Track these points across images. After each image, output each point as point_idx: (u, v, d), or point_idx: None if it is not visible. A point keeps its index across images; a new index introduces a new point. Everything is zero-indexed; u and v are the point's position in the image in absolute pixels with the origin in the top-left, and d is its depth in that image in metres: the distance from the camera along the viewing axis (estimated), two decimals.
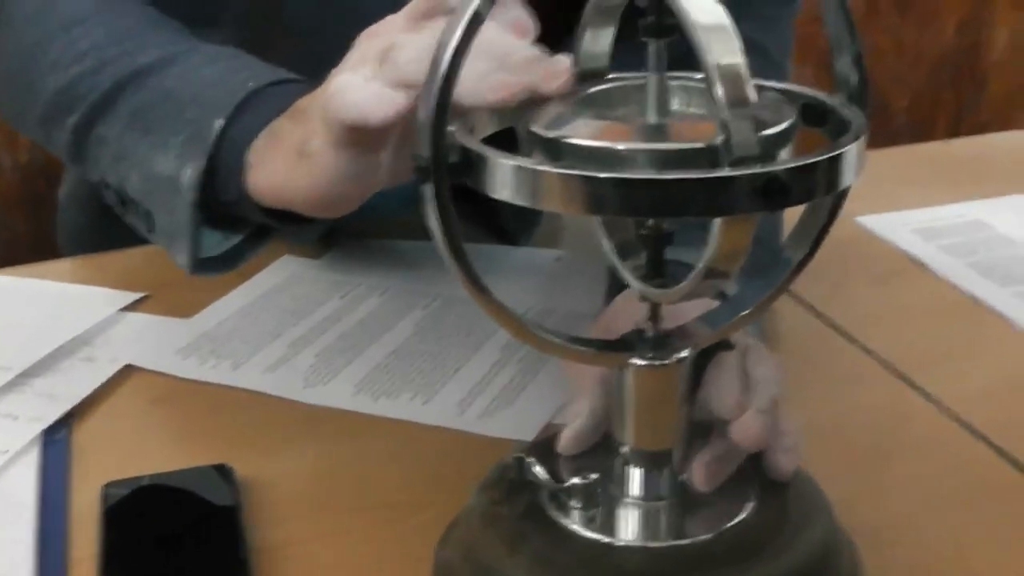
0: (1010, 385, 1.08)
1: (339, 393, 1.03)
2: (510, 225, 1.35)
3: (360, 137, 0.75)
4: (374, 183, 0.80)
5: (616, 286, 1.01)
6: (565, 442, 0.81)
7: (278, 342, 1.11)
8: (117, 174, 0.97)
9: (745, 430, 0.77)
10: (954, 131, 2.92)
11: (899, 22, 2.91)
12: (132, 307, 1.19)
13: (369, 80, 0.73)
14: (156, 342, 1.12)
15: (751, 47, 0.62)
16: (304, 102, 0.83)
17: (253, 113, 0.87)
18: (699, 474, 0.77)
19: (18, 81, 1.07)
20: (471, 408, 1.01)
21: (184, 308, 1.18)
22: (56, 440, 0.98)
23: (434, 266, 1.21)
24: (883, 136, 2.24)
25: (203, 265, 0.92)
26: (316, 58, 0.79)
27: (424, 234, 0.68)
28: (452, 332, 1.13)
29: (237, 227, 0.92)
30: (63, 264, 1.34)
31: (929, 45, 2.97)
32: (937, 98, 3.02)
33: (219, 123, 0.87)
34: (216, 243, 0.93)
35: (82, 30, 0.99)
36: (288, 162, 0.82)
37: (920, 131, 2.89)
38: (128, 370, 1.08)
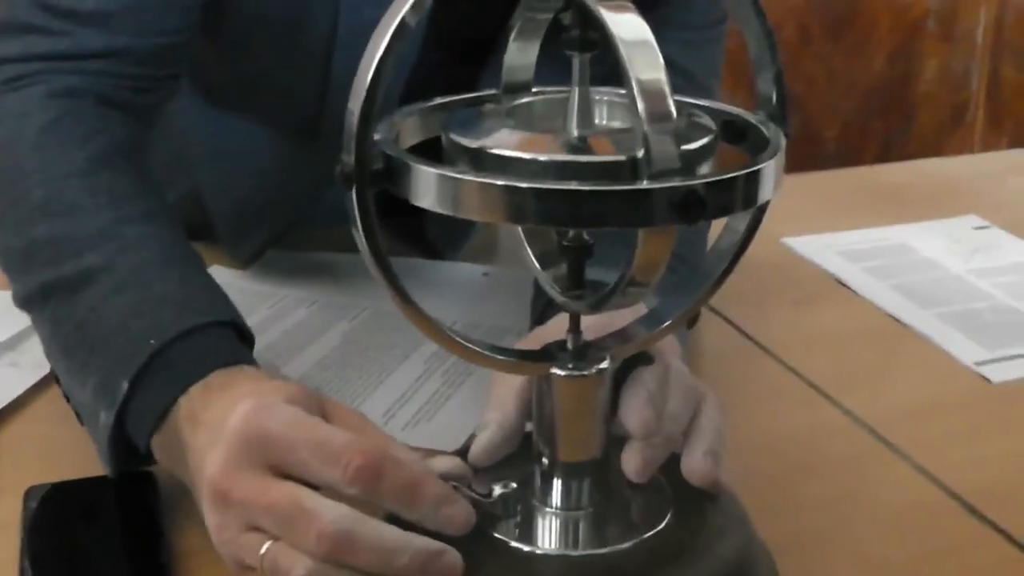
0: (931, 404, 1.10)
1: None
2: (437, 241, 1.36)
3: None
4: None
5: (541, 301, 1.02)
6: (475, 455, 0.81)
7: None
8: (50, 360, 0.96)
9: (695, 471, 0.79)
10: (882, 160, 2.95)
11: (831, 51, 2.95)
12: None
13: None
14: None
15: (675, 70, 0.63)
16: (189, 438, 0.80)
17: (150, 386, 0.84)
18: (632, 462, 0.78)
19: None
20: (395, 419, 1.01)
21: None
22: None
23: (361, 279, 1.22)
24: (812, 163, 2.27)
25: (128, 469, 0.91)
26: None
27: (353, 247, 0.68)
28: (378, 344, 1.13)
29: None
30: None
31: (860, 75, 3.01)
32: (866, 127, 3.05)
33: (124, 386, 0.84)
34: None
35: (23, 188, 0.95)
36: (187, 478, 0.82)
37: (849, 159, 2.92)
38: (53, 376, 1.08)
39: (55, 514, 0.88)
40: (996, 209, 1.55)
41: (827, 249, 1.41)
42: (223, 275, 1.26)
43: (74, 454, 0.97)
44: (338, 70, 1.07)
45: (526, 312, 1.08)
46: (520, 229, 0.78)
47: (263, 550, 0.72)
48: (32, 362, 1.09)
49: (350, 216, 0.67)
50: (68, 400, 0.93)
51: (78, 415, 0.92)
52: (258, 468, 0.73)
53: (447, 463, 0.75)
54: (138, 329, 0.86)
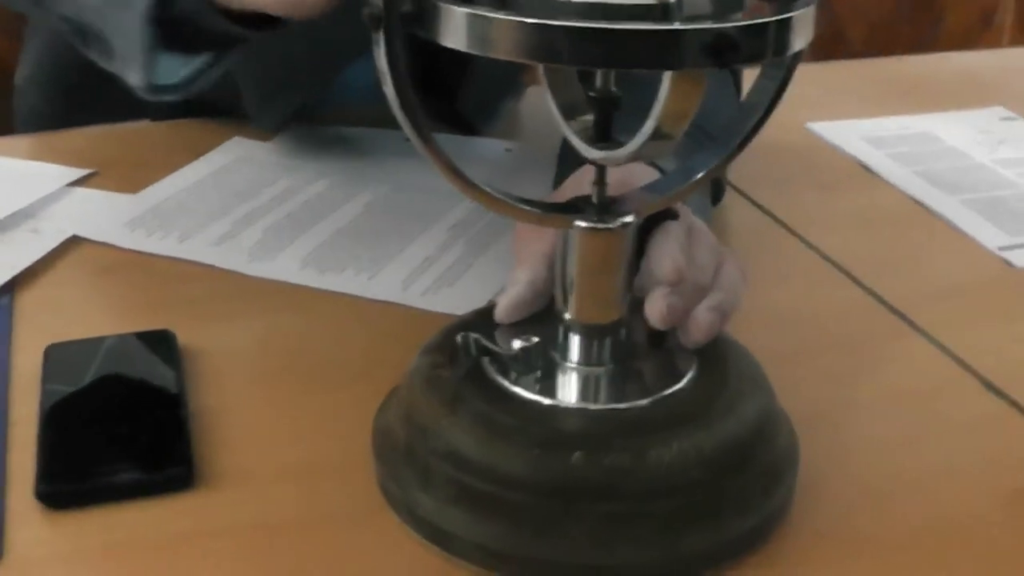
0: (954, 286, 1.09)
1: (285, 267, 1.03)
2: (469, 114, 1.35)
3: None
4: None
5: (564, 173, 1.01)
6: (501, 309, 0.81)
7: (225, 218, 1.11)
8: (74, 2, 0.95)
9: (696, 321, 0.78)
10: None
11: None
12: (80, 183, 1.19)
13: None
14: (103, 215, 1.12)
15: None
16: None
17: None
18: (656, 307, 0.77)
19: None
20: (415, 285, 1.01)
21: (132, 185, 1.17)
22: None
23: (385, 153, 1.22)
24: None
25: (158, 88, 0.90)
26: None
27: (378, 123, 0.67)
28: (400, 215, 1.13)
29: (196, 46, 0.89)
30: (12, 141, 1.34)
31: None
32: (894, 31, 3.02)
33: None
34: (175, 69, 0.91)
35: None
36: None
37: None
38: (74, 242, 1.08)
39: (75, 371, 0.88)
40: (1023, 102, 1.53)
41: (852, 135, 1.40)
42: (245, 147, 1.26)
43: (93, 316, 0.98)
44: None
45: (547, 186, 1.07)
46: (546, 82, 0.77)
47: None
48: (53, 228, 1.10)
49: (377, 61, 0.66)
50: (86, 42, 0.94)
51: (106, 50, 0.91)
52: None
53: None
54: None
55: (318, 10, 0.80)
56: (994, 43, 2.99)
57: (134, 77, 0.89)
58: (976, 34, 2.99)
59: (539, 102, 0.83)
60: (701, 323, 0.78)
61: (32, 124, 1.45)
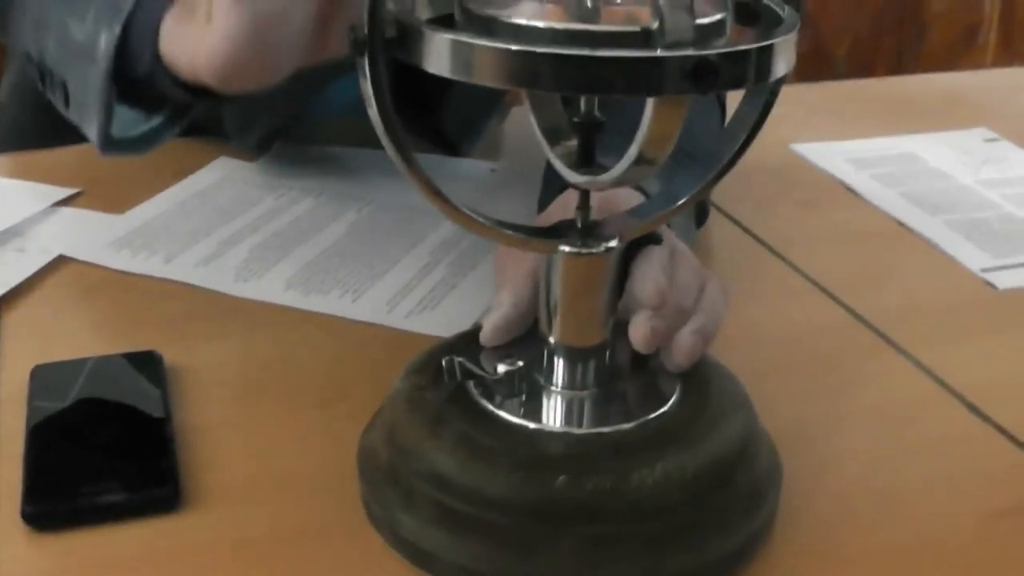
0: (936, 306, 1.10)
1: (270, 288, 1.04)
2: (452, 134, 1.35)
3: None
4: (287, 53, 0.80)
5: (549, 194, 1.02)
6: (486, 332, 0.81)
7: (210, 238, 1.12)
8: (37, 42, 0.95)
9: (678, 345, 0.78)
10: None
11: None
12: (65, 202, 1.19)
13: None
14: (88, 235, 1.12)
15: None
16: None
17: None
18: (640, 331, 0.78)
19: None
20: (399, 307, 1.01)
21: (117, 205, 1.18)
22: None
23: (368, 172, 1.23)
24: (822, 79, 2.26)
25: (114, 143, 0.90)
26: None
27: (362, 142, 0.68)
28: (384, 235, 1.13)
29: (154, 107, 0.90)
30: (1, 160, 1.34)
31: None
32: (877, 45, 3.04)
33: None
34: (132, 123, 0.92)
35: None
36: (197, 28, 0.81)
37: (859, 78, 2.91)
38: (60, 261, 1.08)
39: (61, 392, 0.89)
40: (1006, 122, 1.54)
41: (835, 156, 1.41)
42: (230, 167, 1.27)
43: (79, 336, 0.99)
44: None
45: (532, 206, 1.08)
46: (530, 107, 0.78)
47: None
48: (39, 248, 1.10)
49: (361, 85, 0.67)
50: (44, 83, 0.94)
51: (65, 95, 0.91)
52: None
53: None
54: None
55: (262, 88, 0.81)
56: (978, 60, 3.00)
57: (91, 131, 0.89)
58: (959, 51, 3.00)
59: (523, 122, 0.83)
60: (684, 346, 0.79)
61: (14, 139, 1.45)
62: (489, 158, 1.36)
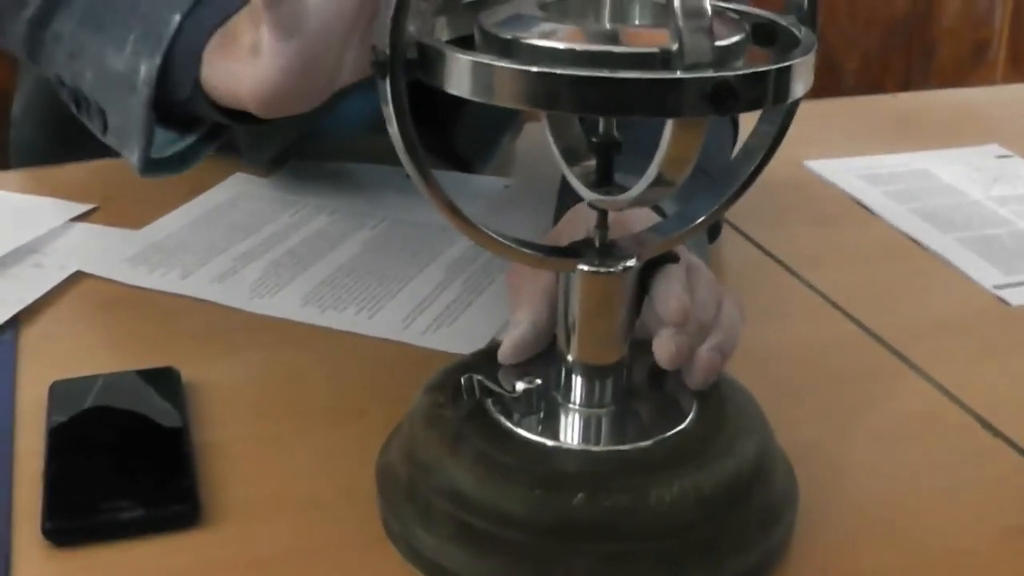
0: (949, 323, 1.10)
1: (286, 304, 1.04)
2: (465, 154, 1.36)
3: (297, 23, 0.75)
4: (331, 80, 0.80)
5: (564, 210, 1.02)
6: (504, 351, 0.82)
7: (226, 255, 1.12)
8: (72, 72, 0.96)
9: (697, 363, 0.79)
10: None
11: None
12: (81, 218, 1.20)
13: None
14: (105, 251, 1.13)
15: None
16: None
17: (210, 8, 0.86)
18: (665, 349, 0.78)
19: None
20: (415, 323, 1.02)
21: (133, 221, 1.18)
22: (2, 341, 0.99)
23: (382, 188, 1.23)
24: (832, 95, 2.26)
25: (154, 165, 0.91)
26: None
27: (375, 159, 0.68)
28: (399, 252, 1.14)
29: (190, 127, 0.91)
30: (13, 176, 1.34)
31: (882, 8, 2.99)
32: (887, 62, 3.04)
33: (176, 19, 0.85)
34: (169, 143, 0.93)
35: None
36: (241, 59, 0.82)
37: (869, 93, 2.91)
38: (77, 277, 1.09)
39: (80, 407, 0.89)
40: (1018, 139, 1.54)
41: (848, 172, 1.42)
42: (246, 183, 1.27)
43: (97, 352, 0.99)
44: None
45: (547, 223, 1.08)
46: (548, 127, 0.78)
47: None
48: (56, 263, 1.11)
49: (382, 105, 0.67)
50: (88, 113, 0.94)
51: (103, 123, 0.92)
52: None
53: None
54: None
55: (299, 111, 0.82)
56: (988, 76, 3.01)
57: (132, 155, 0.90)
58: (969, 67, 3.01)
59: (537, 137, 0.84)
60: (704, 363, 0.79)
61: (27, 157, 1.46)
62: (502, 174, 1.37)
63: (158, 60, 0.85)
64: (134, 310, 1.04)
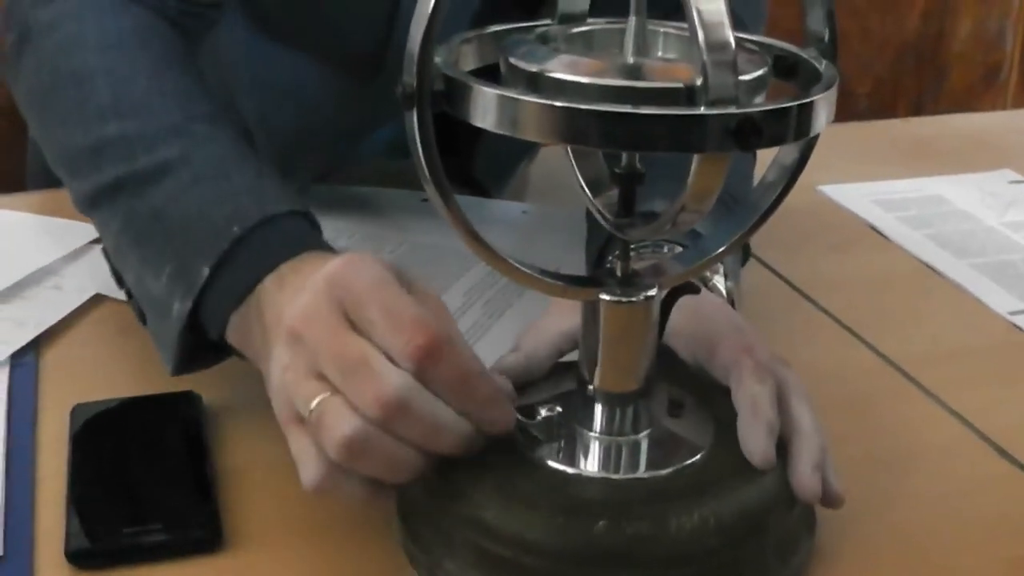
0: (964, 349, 1.11)
1: None
2: (483, 180, 1.37)
3: None
4: None
5: (596, 242, 1.02)
6: (495, 369, 0.83)
7: None
8: (116, 259, 0.97)
9: (805, 486, 0.78)
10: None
11: (865, 7, 2.94)
12: (100, 240, 1.19)
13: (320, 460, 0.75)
14: None
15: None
16: (268, 310, 0.81)
17: (233, 270, 0.85)
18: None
19: (36, 116, 1.06)
20: None
21: None
22: (23, 363, 1.00)
23: (401, 213, 1.24)
24: (845, 118, 2.27)
25: (186, 368, 0.92)
26: None
27: (393, 182, 0.69)
28: (418, 276, 1.14)
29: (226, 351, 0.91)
30: (32, 197, 1.35)
31: (893, 32, 3.00)
32: (898, 85, 3.05)
33: (205, 271, 0.85)
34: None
35: (89, 88, 0.97)
36: (257, 356, 0.83)
37: (881, 116, 2.91)
38: (97, 300, 1.10)
39: (101, 431, 0.90)
40: None
41: (863, 198, 1.42)
42: None
43: (116, 375, 0.99)
44: (406, 5, 1.08)
45: (565, 248, 1.09)
46: (572, 158, 0.79)
47: (316, 401, 0.73)
48: (75, 286, 1.11)
49: (409, 137, 0.68)
50: (130, 298, 0.94)
51: (141, 315, 0.92)
52: (337, 315, 0.74)
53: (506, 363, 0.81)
54: (219, 216, 0.86)
55: None
56: (999, 99, 3.01)
57: (166, 365, 0.90)
58: (980, 90, 3.01)
59: (553, 162, 0.84)
60: (808, 487, 0.79)
61: (45, 179, 1.46)
62: (517, 198, 1.37)
63: (189, 306, 0.85)
64: None
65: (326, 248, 0.86)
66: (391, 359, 0.72)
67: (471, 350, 0.75)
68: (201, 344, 0.88)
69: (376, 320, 0.73)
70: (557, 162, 0.80)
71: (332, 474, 0.74)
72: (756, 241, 1.16)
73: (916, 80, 3.05)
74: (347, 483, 0.75)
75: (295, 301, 0.76)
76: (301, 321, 0.75)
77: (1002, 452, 0.94)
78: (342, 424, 0.71)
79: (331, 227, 1.20)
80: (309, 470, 0.75)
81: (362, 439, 0.71)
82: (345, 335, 0.73)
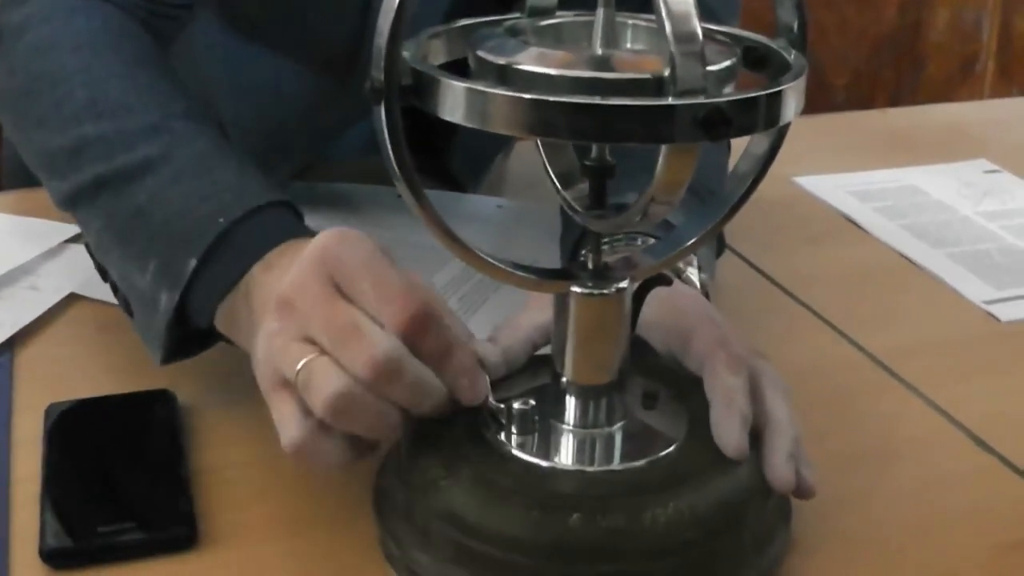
0: (940, 340, 1.11)
1: None
2: (458, 176, 1.36)
3: None
4: None
5: (571, 235, 1.02)
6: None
7: None
8: (99, 255, 0.96)
9: (779, 477, 0.78)
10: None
11: (842, 0, 2.94)
12: (76, 239, 1.19)
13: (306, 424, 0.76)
14: None
15: (699, 8, 0.64)
16: (256, 292, 0.82)
17: (220, 262, 0.85)
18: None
19: (12, 119, 1.06)
20: None
21: None
22: None
23: (379, 209, 1.24)
24: (822, 111, 2.27)
25: (174, 358, 0.92)
26: None
27: (372, 179, 0.69)
28: None
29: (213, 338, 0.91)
30: (7, 197, 1.34)
31: (871, 24, 3.00)
32: (876, 77, 3.05)
33: (191, 263, 0.85)
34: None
35: (66, 89, 0.97)
36: (245, 337, 0.83)
37: (858, 108, 2.92)
38: (73, 299, 1.09)
39: (76, 430, 0.90)
40: (1006, 154, 1.55)
41: (838, 189, 1.42)
42: None
43: (92, 374, 0.99)
44: (378, 3, 1.08)
45: (541, 242, 1.08)
46: (542, 151, 0.79)
47: (304, 361, 0.74)
48: (51, 286, 1.11)
49: (377, 131, 0.68)
50: (116, 292, 0.94)
51: (128, 309, 0.92)
52: (329, 286, 0.75)
53: (486, 349, 0.80)
54: (203, 211, 0.87)
55: None
56: (975, 91, 3.02)
57: (153, 355, 0.90)
58: (957, 81, 3.02)
59: (529, 156, 0.84)
60: (781, 479, 0.79)
61: (21, 178, 1.46)
62: (494, 192, 1.37)
63: (176, 298, 0.86)
64: (129, 333, 1.03)
65: (311, 235, 0.85)
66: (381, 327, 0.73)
67: (458, 320, 0.78)
68: (188, 334, 0.89)
69: (367, 290, 0.74)
70: (533, 156, 0.80)
71: (313, 435, 0.75)
72: (731, 233, 1.17)
73: (894, 71, 3.05)
74: (326, 443, 0.76)
75: (284, 277, 0.77)
76: (292, 289, 0.76)
77: (980, 443, 0.94)
78: (332, 381, 0.73)
79: (311, 223, 1.20)
80: (291, 430, 0.76)
81: (349, 397, 0.73)
82: (335, 302, 0.74)
